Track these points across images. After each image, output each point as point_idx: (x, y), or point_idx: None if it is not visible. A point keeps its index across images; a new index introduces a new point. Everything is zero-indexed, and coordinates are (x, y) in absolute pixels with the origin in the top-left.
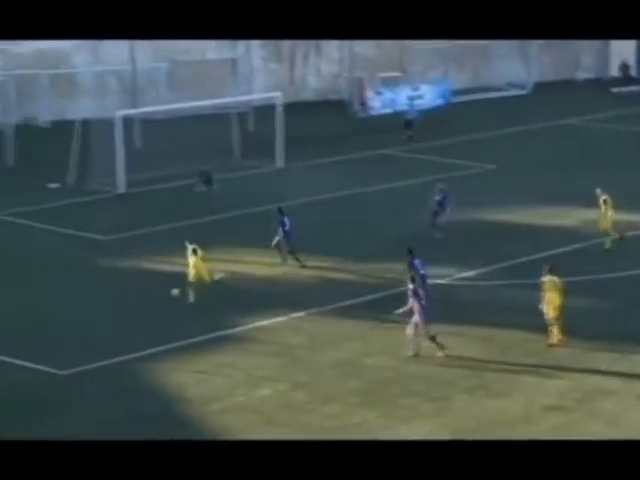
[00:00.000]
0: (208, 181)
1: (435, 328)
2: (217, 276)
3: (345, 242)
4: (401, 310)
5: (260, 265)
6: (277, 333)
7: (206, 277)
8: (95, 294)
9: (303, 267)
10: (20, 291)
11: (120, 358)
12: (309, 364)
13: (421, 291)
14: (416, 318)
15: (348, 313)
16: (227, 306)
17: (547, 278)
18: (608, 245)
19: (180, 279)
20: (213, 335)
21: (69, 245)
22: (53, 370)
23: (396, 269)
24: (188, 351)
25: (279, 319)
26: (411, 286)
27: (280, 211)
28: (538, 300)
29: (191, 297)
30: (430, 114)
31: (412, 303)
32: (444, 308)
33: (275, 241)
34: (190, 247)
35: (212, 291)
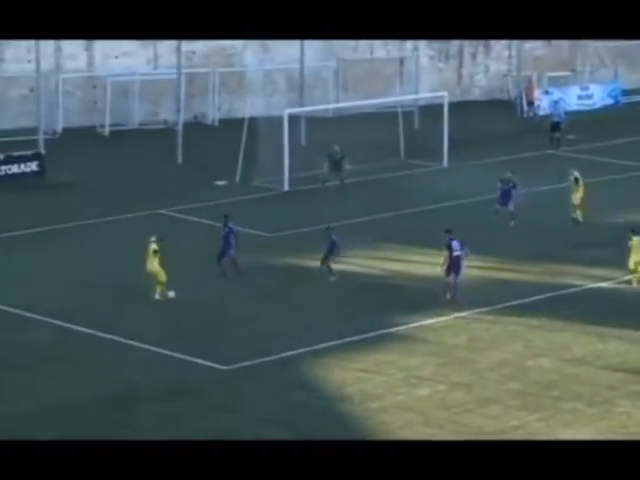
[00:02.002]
0: (336, 168)
1: (598, 330)
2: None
3: (510, 242)
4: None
5: (425, 264)
6: (439, 333)
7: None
8: (260, 291)
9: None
10: (184, 287)
11: (282, 354)
12: (469, 365)
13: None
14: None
15: (511, 314)
16: (390, 305)
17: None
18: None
19: (344, 275)
20: (375, 333)
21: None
22: (215, 365)
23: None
24: (350, 349)
25: (442, 319)
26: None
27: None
28: None
29: (171, 294)
30: (599, 114)
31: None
32: (608, 310)
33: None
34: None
35: (377, 290)
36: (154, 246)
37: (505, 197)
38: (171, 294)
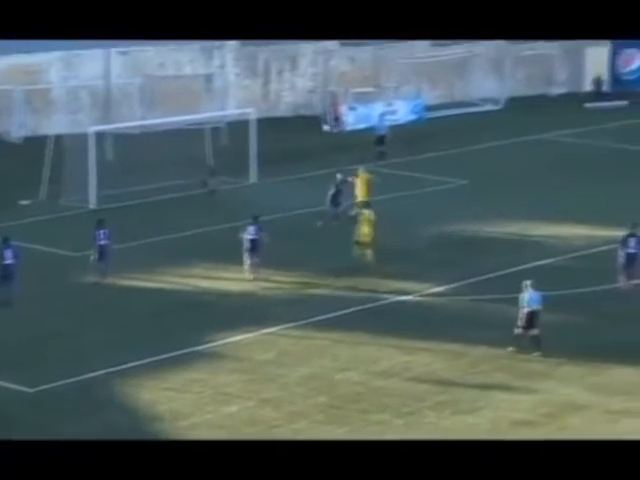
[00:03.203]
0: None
1: (404, 343)
2: None
3: (317, 257)
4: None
5: (232, 281)
6: (248, 349)
7: None
8: (66, 310)
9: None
10: None
11: (91, 374)
12: (278, 380)
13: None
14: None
15: (319, 328)
16: (200, 322)
17: (359, 211)
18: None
19: (153, 293)
20: (184, 351)
21: (40, 262)
22: (22, 388)
23: (370, 284)
24: (159, 367)
25: (249, 335)
26: None
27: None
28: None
29: None
30: (404, 130)
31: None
32: (414, 323)
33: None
34: None
35: (184, 307)
36: None
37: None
38: None
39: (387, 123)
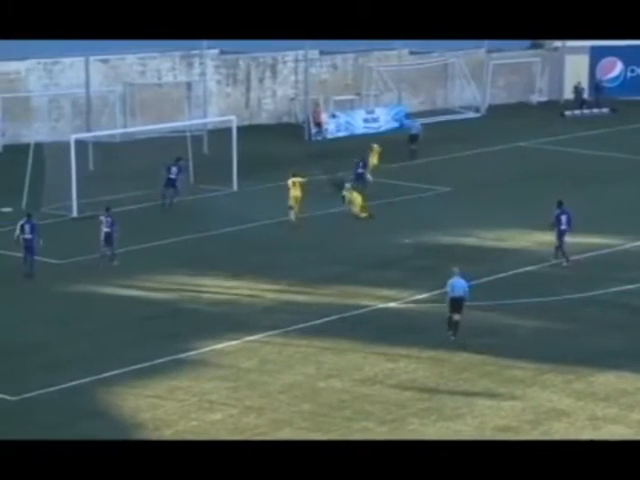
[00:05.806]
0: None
1: (388, 350)
2: None
3: (300, 264)
4: None
5: (217, 287)
6: (231, 357)
7: None
8: (50, 318)
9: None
10: None
11: (73, 383)
12: (261, 388)
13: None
14: None
15: (302, 336)
16: (182, 330)
17: (291, 180)
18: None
19: (135, 301)
20: (167, 359)
21: (22, 269)
22: (3, 396)
23: (353, 292)
24: (142, 375)
25: (233, 343)
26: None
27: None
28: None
29: None
30: (386, 137)
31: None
32: (397, 330)
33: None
34: None
35: (167, 315)
36: None
37: (359, 179)
38: None
39: (419, 122)
